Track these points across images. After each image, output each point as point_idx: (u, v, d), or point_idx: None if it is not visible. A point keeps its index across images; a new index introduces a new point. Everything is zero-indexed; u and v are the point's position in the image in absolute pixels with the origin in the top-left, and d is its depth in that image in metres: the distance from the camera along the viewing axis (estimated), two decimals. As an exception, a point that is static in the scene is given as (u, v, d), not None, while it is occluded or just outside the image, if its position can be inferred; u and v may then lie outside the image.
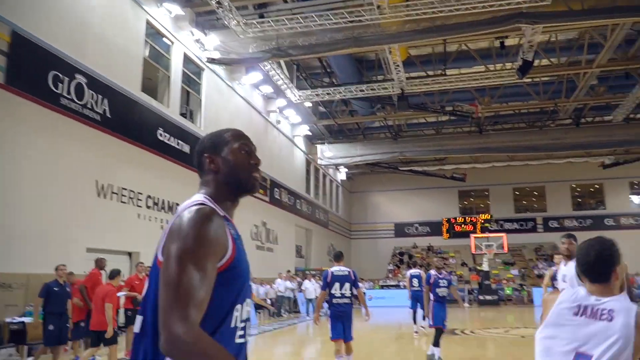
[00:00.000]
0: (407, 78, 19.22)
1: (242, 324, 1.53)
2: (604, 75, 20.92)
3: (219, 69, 16.81)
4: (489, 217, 31.11)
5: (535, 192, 35.08)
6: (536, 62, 18.25)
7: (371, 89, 19.84)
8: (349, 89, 19.77)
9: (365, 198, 35.89)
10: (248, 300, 1.57)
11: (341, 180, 32.75)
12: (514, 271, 30.25)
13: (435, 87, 20.23)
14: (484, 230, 30.00)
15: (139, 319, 1.49)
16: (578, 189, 34.54)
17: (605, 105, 23.49)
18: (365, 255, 33.67)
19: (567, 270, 5.00)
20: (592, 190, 34.58)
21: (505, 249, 27.92)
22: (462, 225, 31.34)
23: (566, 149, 25.70)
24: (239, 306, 1.51)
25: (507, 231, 31.08)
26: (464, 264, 31.47)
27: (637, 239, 30.96)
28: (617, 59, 18.92)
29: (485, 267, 27.15)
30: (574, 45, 18.99)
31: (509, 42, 18.43)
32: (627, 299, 2.07)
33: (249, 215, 17.87)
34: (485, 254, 27.30)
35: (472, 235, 28.43)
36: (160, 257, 1.46)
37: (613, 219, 32.98)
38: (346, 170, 31.48)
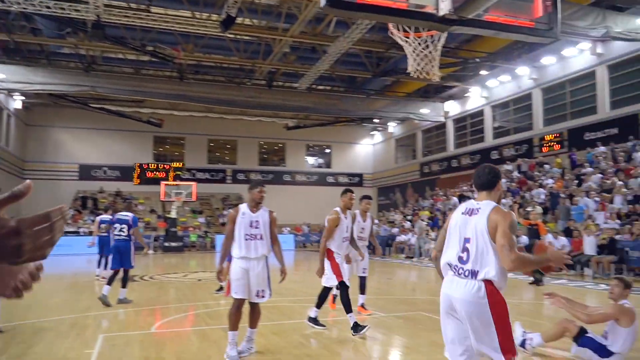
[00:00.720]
0: (106, 5, 17.33)
1: None
2: (296, 45, 23.13)
3: None
4: (181, 166, 31.45)
5: (228, 145, 37.01)
6: (239, 20, 18.82)
7: (60, 8, 17.14)
8: (32, 2, 16.65)
9: (46, 133, 31.49)
10: None
11: (15, 109, 27.84)
12: (201, 219, 31.53)
13: (137, 22, 18.82)
14: (176, 178, 30.20)
15: None
16: (265, 146, 37.95)
17: (294, 73, 26.08)
18: (42, 198, 29.71)
19: (258, 216, 5.22)
20: (276, 148, 38.53)
21: (194, 197, 28.76)
22: (155, 172, 30.86)
23: (258, 108, 27.75)
24: None
25: (199, 180, 32.04)
26: (152, 211, 31.13)
27: (308, 193, 36.21)
28: (307, 33, 21.10)
29: (173, 214, 27.45)
30: (274, 12, 20.29)
31: (217, -8, 18.45)
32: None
33: None
34: (175, 201, 27.58)
35: (163, 183, 28.29)
36: None
37: (290, 176, 37.58)
38: (22, 98, 26.93)
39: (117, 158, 32.29)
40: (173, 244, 26.33)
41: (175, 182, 29.20)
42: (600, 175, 18.27)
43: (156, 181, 29.41)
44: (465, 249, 2.99)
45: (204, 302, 9.22)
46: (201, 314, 8.14)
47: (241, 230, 5.19)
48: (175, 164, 31.34)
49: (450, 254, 3.06)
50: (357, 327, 6.19)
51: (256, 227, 5.18)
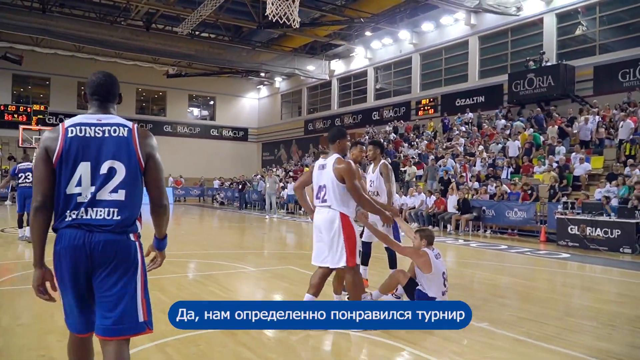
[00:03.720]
0: None
1: None
2: (177, -14, 21.58)
3: None
4: (44, 109, 28.50)
5: (101, 90, 34.14)
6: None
7: None
8: None
9: None
10: None
11: None
12: (69, 168, 29.07)
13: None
14: (39, 122, 27.37)
15: None
16: (143, 94, 35.62)
17: (175, 16, 24.43)
18: None
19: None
20: (156, 96, 36.36)
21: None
22: (14, 115, 27.72)
23: (135, 51, 25.82)
24: None
25: (66, 126, 29.37)
26: (11, 158, 28.04)
27: (189, 145, 34.91)
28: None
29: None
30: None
31: None
32: None
33: None
34: (36, 148, 25.09)
35: (22, 127, 25.56)
36: None
37: (171, 126, 35.81)
38: None
39: (-34, 96, 28.43)
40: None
41: (38, 127, 26.46)
42: (463, 140, 19.63)
43: (15, 125, 26.45)
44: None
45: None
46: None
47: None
48: (37, 107, 28.32)
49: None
50: None
51: None
